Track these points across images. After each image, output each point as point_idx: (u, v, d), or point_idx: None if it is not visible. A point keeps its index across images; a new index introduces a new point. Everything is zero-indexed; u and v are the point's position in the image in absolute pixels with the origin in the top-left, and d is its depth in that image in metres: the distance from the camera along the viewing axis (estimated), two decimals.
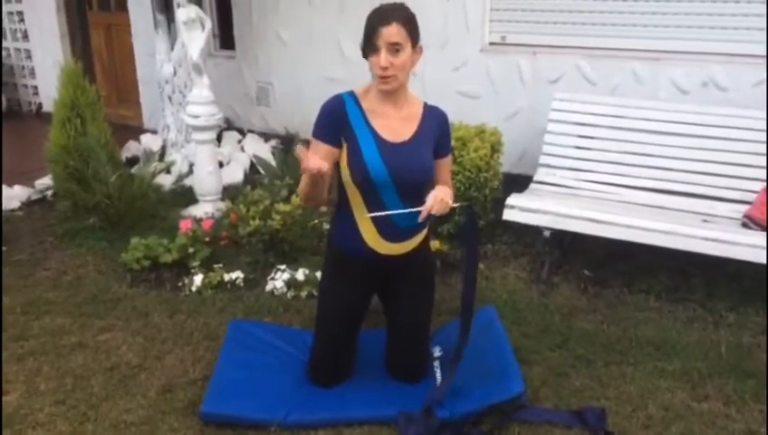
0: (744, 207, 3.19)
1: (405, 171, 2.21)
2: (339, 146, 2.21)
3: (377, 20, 2.10)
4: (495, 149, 3.63)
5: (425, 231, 2.42)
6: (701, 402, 2.44)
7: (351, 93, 2.26)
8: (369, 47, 2.13)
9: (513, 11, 4.19)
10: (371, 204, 2.24)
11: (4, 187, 4.36)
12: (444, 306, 3.03)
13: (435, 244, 3.22)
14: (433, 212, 2.12)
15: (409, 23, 2.14)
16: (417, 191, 2.25)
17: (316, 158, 2.02)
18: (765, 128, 3.30)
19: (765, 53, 3.52)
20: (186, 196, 4.42)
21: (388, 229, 2.29)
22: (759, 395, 2.47)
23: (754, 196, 3.20)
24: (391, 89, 2.18)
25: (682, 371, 2.62)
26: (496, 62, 4.27)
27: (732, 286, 3.17)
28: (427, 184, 2.27)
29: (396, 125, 2.24)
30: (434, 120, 2.31)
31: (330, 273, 2.48)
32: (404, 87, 2.24)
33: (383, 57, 2.10)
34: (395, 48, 2.10)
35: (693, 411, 2.39)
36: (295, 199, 3.51)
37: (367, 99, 2.25)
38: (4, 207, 4.22)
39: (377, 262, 2.34)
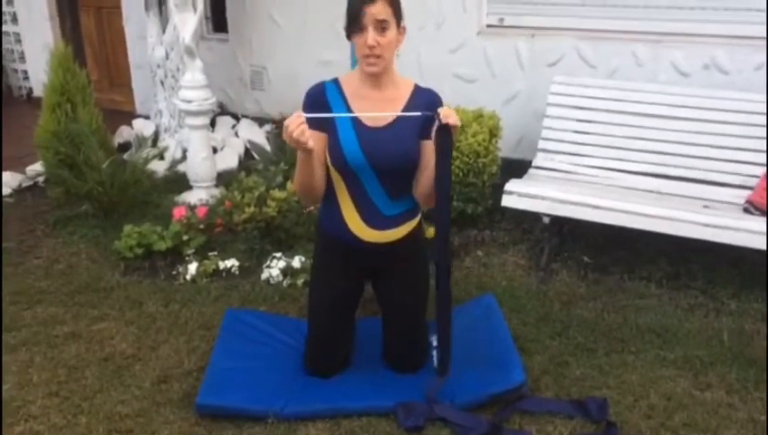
0: (746, 193, 3.15)
1: (383, 156, 2.16)
2: (326, 131, 2.19)
3: None
4: (494, 133, 3.57)
5: (415, 220, 2.36)
6: (703, 391, 2.41)
7: (335, 80, 2.22)
8: (354, 27, 2.08)
9: None
10: (352, 189, 2.23)
11: None
12: None
13: (430, 231, 3.17)
14: (450, 121, 2.01)
15: (394, 0, 2.10)
16: (398, 177, 2.21)
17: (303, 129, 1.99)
18: (766, 111, 3.25)
19: (766, 36, 3.46)
20: (179, 182, 4.35)
21: (372, 216, 2.25)
22: (761, 384, 2.44)
23: (756, 181, 3.17)
24: (378, 70, 2.12)
25: (684, 359, 2.59)
26: (494, 44, 4.20)
27: (733, 273, 3.14)
28: (409, 169, 2.21)
29: (377, 108, 2.18)
30: (422, 102, 2.20)
31: (319, 260, 2.45)
32: (388, 69, 2.18)
33: (370, 35, 2.05)
34: (381, 26, 2.06)
35: (695, 400, 2.36)
36: (291, 186, 3.46)
37: (349, 84, 2.22)
38: None
39: (362, 249, 2.29)
